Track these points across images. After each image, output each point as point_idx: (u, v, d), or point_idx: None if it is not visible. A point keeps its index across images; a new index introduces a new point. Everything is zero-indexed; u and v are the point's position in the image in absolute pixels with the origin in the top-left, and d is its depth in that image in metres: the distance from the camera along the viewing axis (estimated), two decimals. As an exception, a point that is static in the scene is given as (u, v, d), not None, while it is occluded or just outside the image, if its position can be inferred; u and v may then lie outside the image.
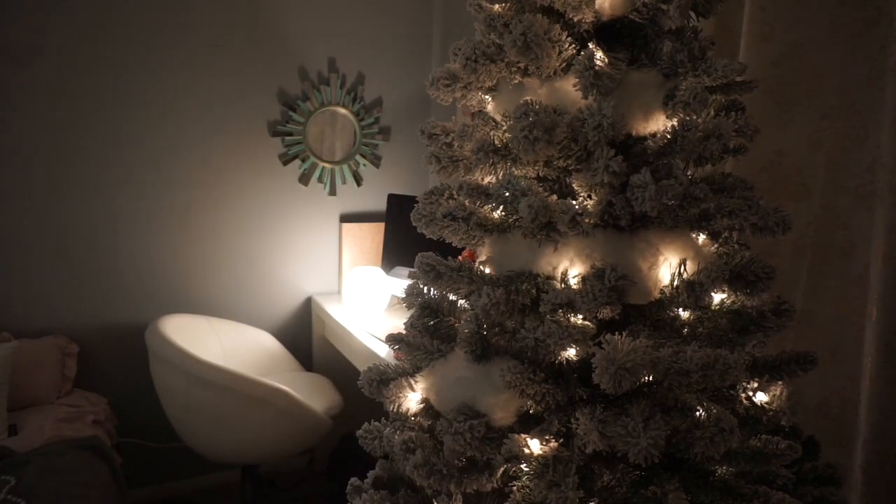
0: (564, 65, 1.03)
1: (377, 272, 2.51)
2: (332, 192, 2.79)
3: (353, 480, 1.22)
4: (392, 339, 1.19)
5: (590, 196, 1.02)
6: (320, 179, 2.75)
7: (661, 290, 0.99)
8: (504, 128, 1.08)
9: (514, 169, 1.06)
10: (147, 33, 2.41)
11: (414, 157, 2.92)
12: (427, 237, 1.13)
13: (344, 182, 2.80)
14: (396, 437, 1.10)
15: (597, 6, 1.03)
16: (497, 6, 1.09)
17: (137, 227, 2.49)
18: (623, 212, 0.98)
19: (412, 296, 1.17)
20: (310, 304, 2.81)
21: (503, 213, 1.07)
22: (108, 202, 2.43)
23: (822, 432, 1.39)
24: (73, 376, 2.31)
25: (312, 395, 2.33)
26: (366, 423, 1.20)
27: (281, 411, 2.12)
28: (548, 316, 0.97)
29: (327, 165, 2.75)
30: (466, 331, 1.04)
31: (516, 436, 0.98)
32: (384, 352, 2.08)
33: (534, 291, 1.01)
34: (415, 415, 1.13)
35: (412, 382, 1.12)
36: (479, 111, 1.16)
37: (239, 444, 2.18)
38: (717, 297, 1.05)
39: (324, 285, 2.84)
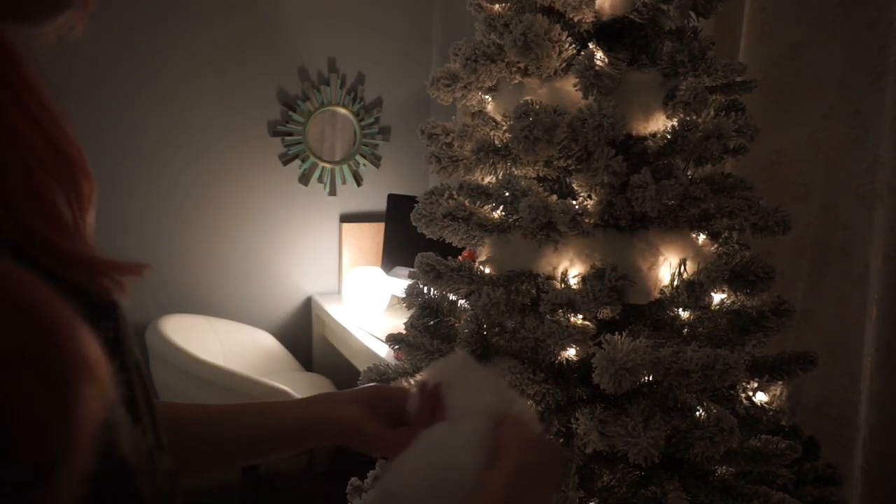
0: (564, 65, 1.03)
1: (377, 272, 2.51)
2: (332, 192, 2.79)
3: (353, 480, 1.22)
4: (392, 339, 1.19)
5: (590, 196, 1.02)
6: (320, 179, 2.75)
7: (661, 290, 0.99)
8: (504, 128, 1.08)
9: (514, 169, 1.06)
10: (148, 36, 2.41)
11: (414, 157, 2.92)
12: (427, 237, 1.12)
13: (344, 182, 2.80)
14: (396, 437, 1.10)
15: (597, 6, 1.03)
16: (497, 6, 1.09)
17: (137, 226, 2.49)
18: (623, 212, 0.98)
19: (412, 296, 1.17)
20: (310, 304, 2.81)
21: (503, 214, 1.07)
22: (107, 202, 2.43)
23: (822, 432, 1.39)
24: (73, 376, 2.30)
25: (312, 395, 2.33)
26: (366, 423, 1.20)
27: (281, 411, 2.12)
28: (548, 316, 0.97)
29: (327, 165, 2.75)
30: (466, 331, 1.04)
31: None
32: (384, 352, 2.08)
33: (534, 291, 1.01)
34: (415, 415, 1.13)
35: (412, 382, 1.12)
36: (479, 111, 1.16)
37: (239, 444, 2.18)
38: (717, 298, 1.05)
39: (324, 285, 2.84)
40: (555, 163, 1.01)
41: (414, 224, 1.12)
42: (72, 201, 0.36)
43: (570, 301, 0.95)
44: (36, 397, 0.24)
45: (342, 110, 2.74)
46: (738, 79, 1.06)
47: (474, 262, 1.10)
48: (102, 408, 0.27)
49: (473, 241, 1.11)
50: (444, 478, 0.53)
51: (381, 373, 1.16)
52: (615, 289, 0.94)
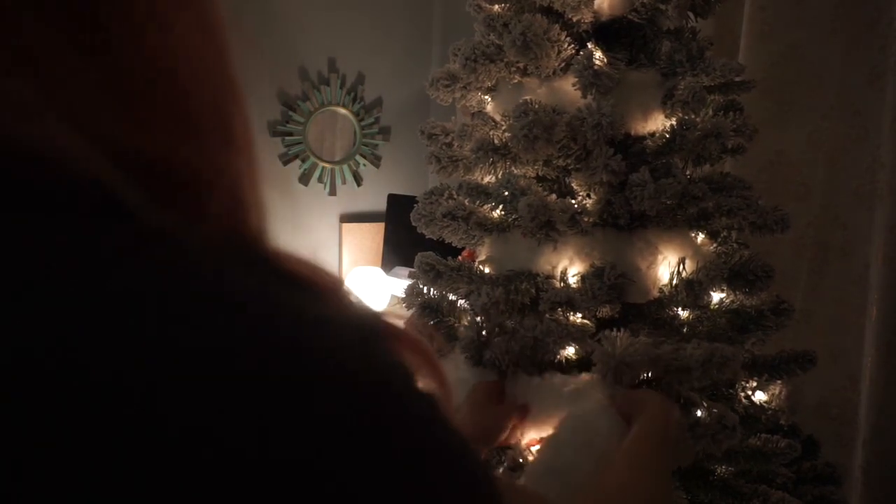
0: (563, 65, 1.04)
1: (377, 272, 2.51)
2: (332, 192, 2.79)
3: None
4: (392, 339, 1.19)
5: (589, 195, 1.03)
6: (320, 179, 2.75)
7: (661, 288, 0.99)
8: (503, 127, 1.08)
9: (513, 168, 1.06)
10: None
11: (414, 157, 2.92)
12: (427, 237, 1.13)
13: (344, 182, 2.80)
14: (396, 436, 1.10)
15: (595, 6, 1.03)
16: (496, 6, 1.09)
17: (138, 227, 2.49)
18: (622, 211, 0.99)
19: (412, 296, 1.17)
20: (310, 304, 2.81)
21: (502, 213, 1.07)
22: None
23: (822, 432, 1.39)
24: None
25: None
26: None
27: (281, 411, 2.12)
28: (547, 314, 0.97)
29: (327, 165, 2.75)
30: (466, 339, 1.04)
31: (518, 444, 0.97)
32: (384, 352, 2.08)
33: (533, 290, 1.01)
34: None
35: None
36: (479, 111, 1.16)
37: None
38: (717, 297, 1.05)
39: (324, 285, 2.84)
40: (554, 162, 1.01)
41: (414, 224, 1.12)
42: None
43: (570, 299, 0.95)
44: None
45: (342, 110, 2.74)
46: (737, 79, 1.06)
47: (474, 261, 1.11)
48: None
49: (473, 241, 1.11)
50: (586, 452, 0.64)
51: (380, 372, 1.16)
52: (614, 287, 0.94)
